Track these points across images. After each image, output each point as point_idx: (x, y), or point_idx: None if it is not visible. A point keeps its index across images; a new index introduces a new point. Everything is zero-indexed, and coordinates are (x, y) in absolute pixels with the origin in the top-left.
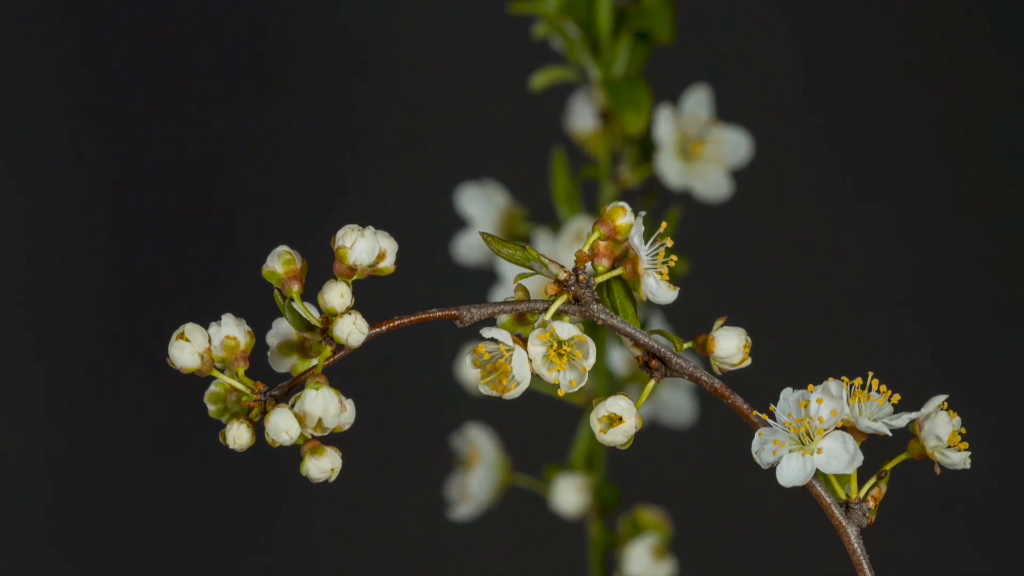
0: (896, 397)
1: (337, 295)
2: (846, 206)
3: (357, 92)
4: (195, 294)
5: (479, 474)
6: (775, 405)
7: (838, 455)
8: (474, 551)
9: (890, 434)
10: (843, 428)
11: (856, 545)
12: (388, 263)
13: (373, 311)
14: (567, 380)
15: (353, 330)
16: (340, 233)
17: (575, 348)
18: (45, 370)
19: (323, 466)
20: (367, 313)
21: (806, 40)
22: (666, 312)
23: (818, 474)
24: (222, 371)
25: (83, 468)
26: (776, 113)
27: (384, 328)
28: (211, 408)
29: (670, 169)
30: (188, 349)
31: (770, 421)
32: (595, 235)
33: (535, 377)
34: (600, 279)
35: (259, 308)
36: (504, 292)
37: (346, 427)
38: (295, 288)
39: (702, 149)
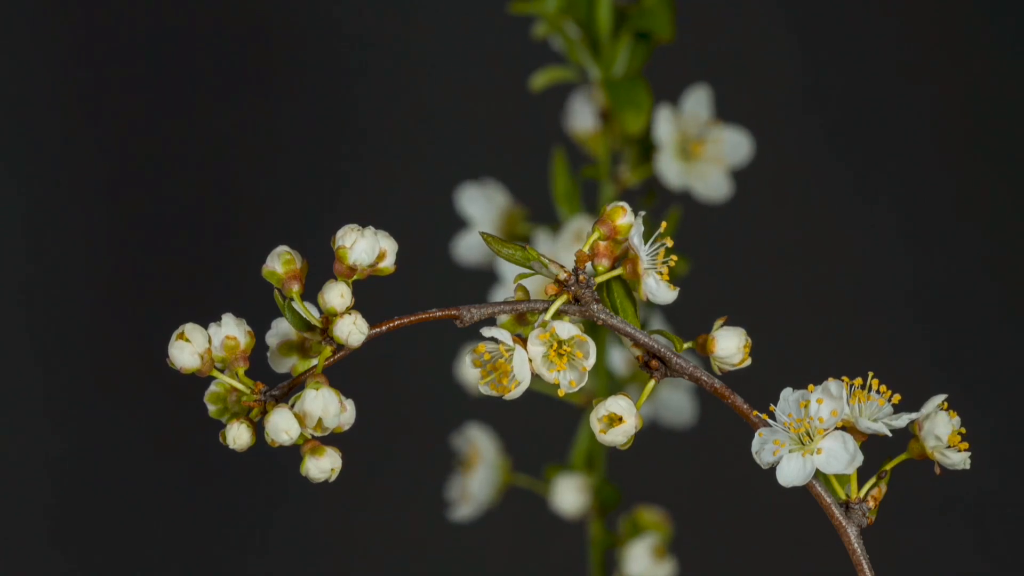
0: (896, 397)
1: (337, 295)
2: (846, 206)
3: (357, 92)
4: (195, 294)
5: (479, 475)
6: (775, 405)
7: (838, 455)
8: (474, 551)
9: (890, 435)
10: (843, 428)
11: (856, 545)
12: (388, 263)
13: (373, 311)
14: (567, 380)
15: (353, 330)
16: (340, 233)
17: (575, 348)
18: (45, 370)
19: (323, 466)
20: (367, 313)
21: (806, 40)
22: (666, 312)
23: (818, 474)
24: (222, 371)
25: (83, 468)
26: (776, 113)
27: (384, 328)
28: (211, 408)
29: (670, 169)
30: (188, 349)
31: (770, 421)
32: (595, 235)
33: (535, 377)
34: (600, 279)
35: (259, 308)
36: (504, 292)
37: (346, 427)
38: (295, 288)
39: (702, 149)
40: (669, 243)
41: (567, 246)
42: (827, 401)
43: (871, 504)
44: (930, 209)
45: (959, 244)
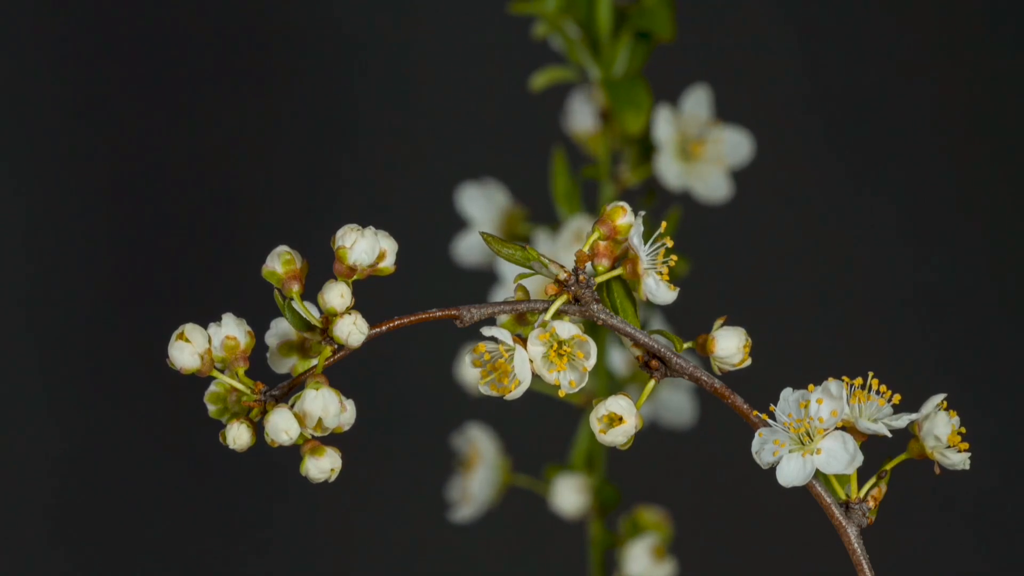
0: (896, 397)
1: (337, 295)
2: (846, 206)
3: (357, 92)
4: (195, 294)
5: (479, 475)
6: (775, 405)
7: (838, 455)
8: (474, 551)
9: (890, 435)
10: (843, 428)
11: (856, 545)
12: (388, 263)
13: (373, 311)
14: (567, 380)
15: (353, 330)
16: (340, 233)
17: (576, 348)
18: (45, 370)
19: (323, 466)
20: (367, 313)
21: (806, 39)
22: (666, 312)
23: (818, 474)
24: (222, 371)
25: (83, 468)
26: (776, 113)
27: (384, 328)
28: (211, 408)
29: (669, 170)
30: (188, 350)
31: (770, 421)
32: (595, 235)
33: (535, 377)
34: (600, 279)
35: (259, 308)
36: (504, 292)
37: (346, 427)
38: (295, 288)
39: (702, 149)
40: (669, 243)
41: (567, 246)
42: (827, 401)
43: (871, 504)
44: (930, 209)
45: (959, 244)
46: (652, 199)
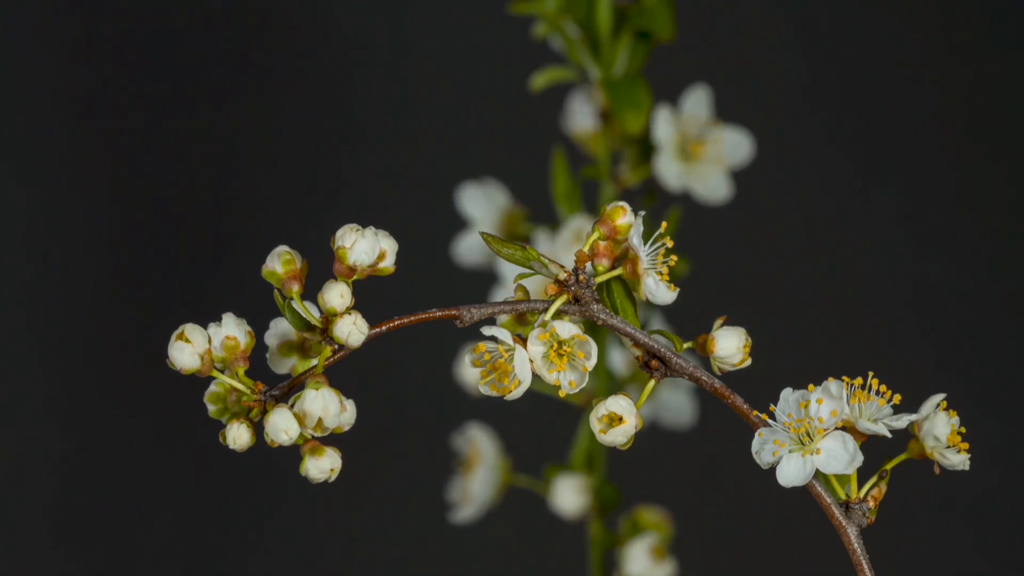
0: (897, 397)
1: (337, 295)
2: (846, 206)
3: (357, 92)
4: (195, 294)
5: (480, 475)
6: (775, 405)
7: (838, 455)
8: (474, 551)
9: (890, 436)
10: (843, 428)
11: (856, 545)
12: (388, 263)
13: (373, 311)
14: (567, 381)
15: (353, 330)
16: (340, 233)
17: (576, 348)
18: (45, 370)
19: (322, 466)
20: (367, 313)
21: (807, 39)
22: (666, 312)
23: (818, 474)
24: (222, 371)
25: (83, 468)
26: (776, 113)
27: (384, 328)
28: (211, 408)
29: (669, 171)
30: (188, 350)
31: (770, 421)
32: (595, 235)
33: (535, 377)
34: (600, 279)
35: (259, 308)
36: (504, 292)
37: (346, 427)
38: (295, 288)
39: (702, 149)
40: (669, 243)
41: (567, 246)
42: (827, 401)
43: (871, 504)
44: (930, 209)
45: (960, 244)
46: (652, 199)
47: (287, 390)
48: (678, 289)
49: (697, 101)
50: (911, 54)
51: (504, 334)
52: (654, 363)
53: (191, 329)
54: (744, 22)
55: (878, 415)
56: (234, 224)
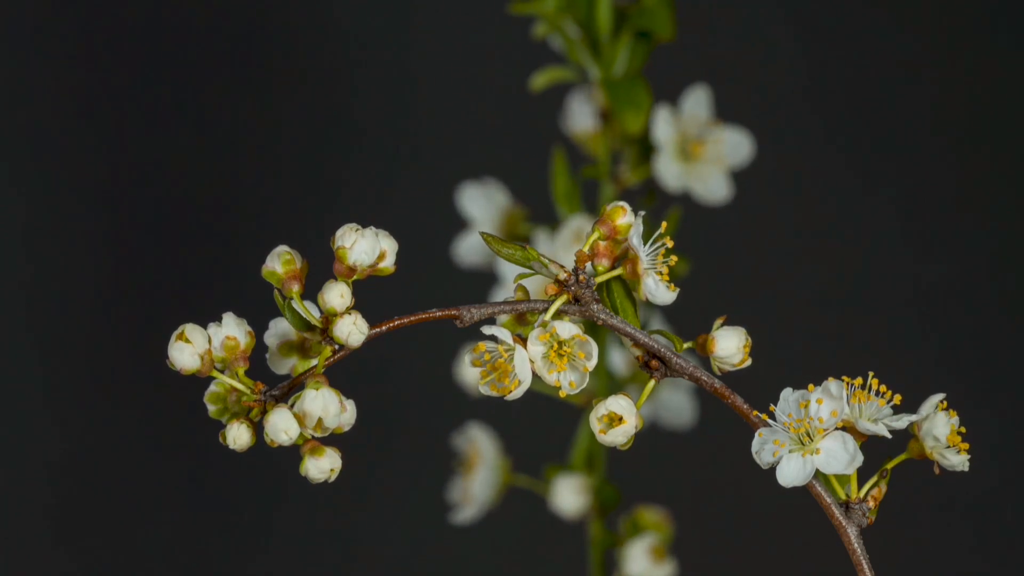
0: (897, 397)
1: (337, 295)
2: (846, 206)
3: (357, 92)
4: (195, 294)
5: (480, 475)
6: (775, 405)
7: (838, 455)
8: (474, 551)
9: (889, 436)
10: (843, 428)
11: (856, 545)
12: (388, 263)
13: (373, 311)
14: (567, 381)
15: (353, 330)
16: (340, 233)
17: (576, 348)
18: (45, 370)
19: (322, 466)
20: (367, 313)
21: (807, 39)
22: (666, 312)
23: (818, 474)
24: (222, 371)
25: (83, 468)
26: (776, 113)
27: (384, 328)
28: (211, 408)
29: (669, 171)
30: (188, 350)
31: (770, 421)
32: (595, 235)
33: (535, 377)
34: (600, 279)
35: (259, 308)
36: (504, 292)
37: (346, 428)
38: (295, 288)
39: (702, 150)
40: (669, 243)
41: (567, 246)
42: (827, 401)
43: (871, 504)
44: (931, 209)
45: (960, 244)
46: (652, 199)
47: (287, 390)
48: (678, 289)
49: (697, 101)
50: (911, 54)
51: (504, 334)
52: (654, 363)
53: (191, 329)
54: (744, 22)
55: (878, 415)
56: (234, 224)
